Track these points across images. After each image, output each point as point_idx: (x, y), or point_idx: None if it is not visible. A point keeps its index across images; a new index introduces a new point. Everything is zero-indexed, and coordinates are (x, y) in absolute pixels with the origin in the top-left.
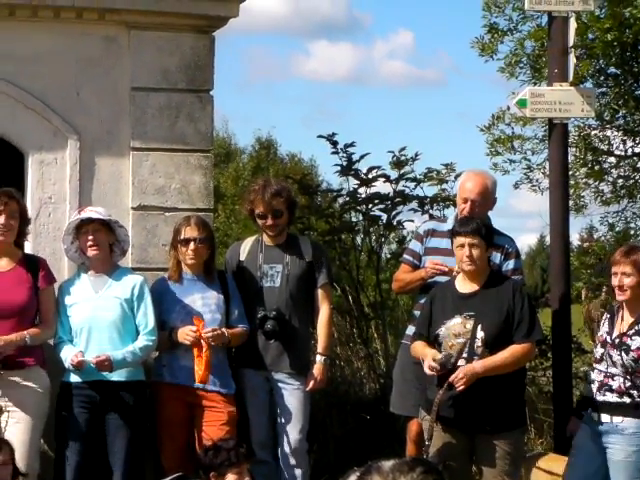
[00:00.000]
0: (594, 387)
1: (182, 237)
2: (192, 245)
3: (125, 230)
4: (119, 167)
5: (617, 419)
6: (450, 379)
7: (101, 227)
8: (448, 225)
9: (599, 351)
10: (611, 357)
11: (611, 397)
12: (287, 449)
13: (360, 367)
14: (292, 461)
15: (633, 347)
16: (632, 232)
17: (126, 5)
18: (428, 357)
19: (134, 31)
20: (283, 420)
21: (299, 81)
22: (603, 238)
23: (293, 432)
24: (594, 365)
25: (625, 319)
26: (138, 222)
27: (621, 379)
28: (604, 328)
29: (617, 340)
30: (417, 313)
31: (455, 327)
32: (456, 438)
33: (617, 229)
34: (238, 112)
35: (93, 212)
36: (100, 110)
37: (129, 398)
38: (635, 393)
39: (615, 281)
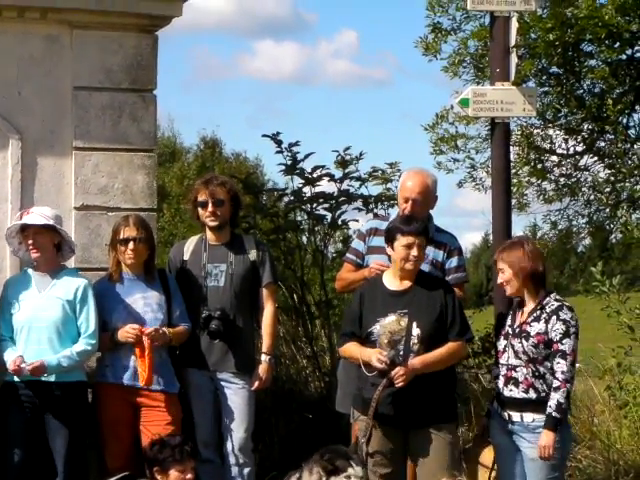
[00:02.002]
0: (500, 382)
1: (121, 237)
2: (131, 245)
3: (65, 232)
4: (61, 167)
5: (527, 418)
6: (390, 375)
7: (41, 230)
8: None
9: (502, 344)
10: (513, 347)
11: (517, 392)
12: (232, 448)
13: (305, 366)
14: (238, 460)
15: (532, 333)
16: (574, 230)
17: (68, 4)
18: (374, 354)
19: (77, 30)
20: (228, 419)
21: (244, 80)
22: (546, 236)
23: (238, 431)
24: (498, 359)
25: (525, 310)
26: (81, 222)
27: (524, 370)
28: (507, 322)
29: (517, 329)
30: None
31: (390, 325)
32: (392, 435)
33: (559, 227)
34: (183, 111)
35: (35, 215)
36: (42, 109)
37: (68, 399)
38: (539, 386)
39: (498, 279)
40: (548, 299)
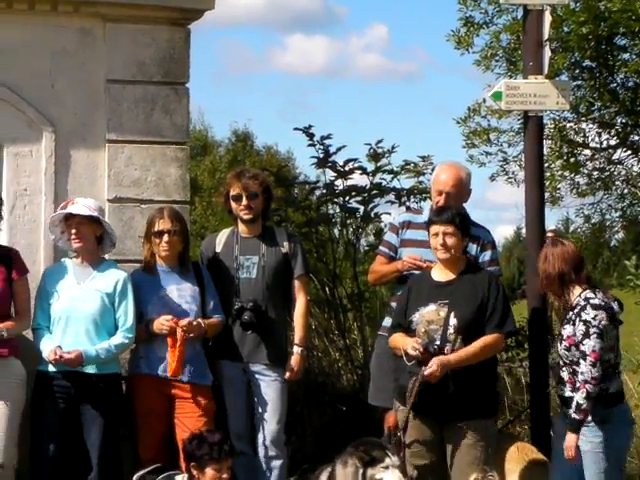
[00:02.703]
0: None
1: (156, 229)
2: (166, 237)
3: (108, 224)
4: (94, 159)
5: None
6: (423, 369)
7: (85, 220)
8: (424, 217)
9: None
10: (557, 350)
11: (565, 391)
12: (265, 440)
13: (338, 358)
14: (270, 452)
15: (564, 336)
16: (607, 223)
17: None
18: (410, 342)
19: (110, 24)
20: (261, 411)
21: (275, 74)
22: (579, 230)
23: (271, 423)
24: None
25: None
26: (114, 214)
27: (566, 369)
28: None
29: (559, 332)
30: (394, 304)
31: (429, 314)
32: (430, 427)
33: (593, 221)
34: (214, 105)
35: (79, 205)
36: (75, 102)
37: (104, 390)
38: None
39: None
40: (578, 299)
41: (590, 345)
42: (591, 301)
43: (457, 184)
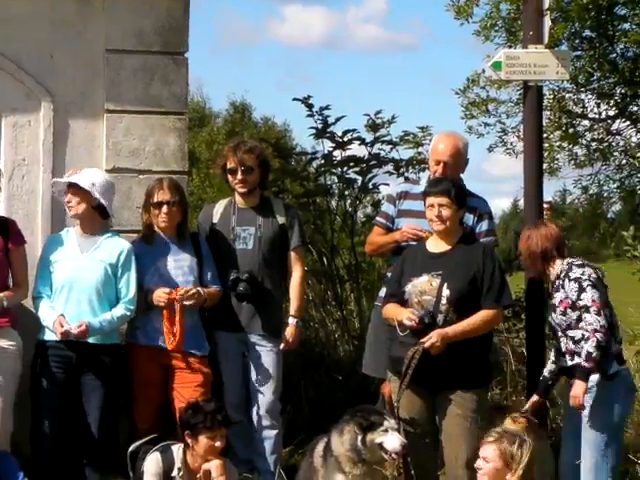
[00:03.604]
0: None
1: (155, 200)
2: (165, 208)
3: (100, 198)
4: (93, 129)
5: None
6: (422, 341)
7: (81, 191)
8: (421, 187)
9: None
10: (550, 323)
11: (564, 361)
12: (261, 410)
13: (334, 329)
14: (265, 422)
15: (556, 302)
16: (605, 195)
17: None
18: (405, 313)
19: None
20: (257, 381)
21: (273, 45)
22: (576, 201)
23: (266, 393)
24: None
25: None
26: (114, 183)
27: (564, 339)
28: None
29: (550, 302)
30: (390, 275)
31: (421, 284)
32: (421, 396)
33: (590, 192)
34: (212, 76)
35: (78, 176)
36: (74, 72)
37: (105, 360)
38: (579, 349)
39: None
40: (561, 266)
41: (589, 296)
42: (575, 262)
43: (455, 153)
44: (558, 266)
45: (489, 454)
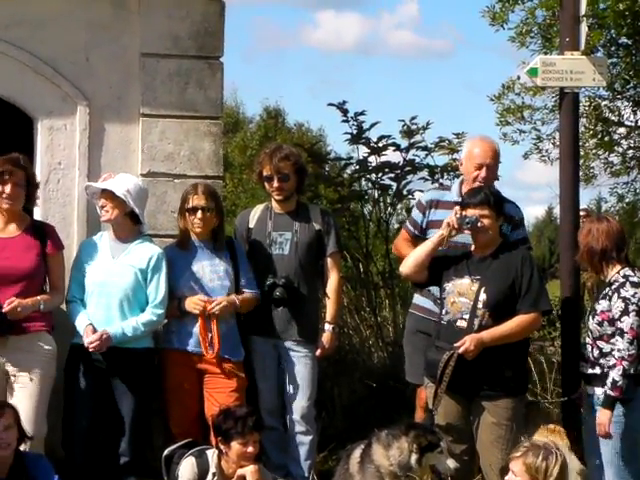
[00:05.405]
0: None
1: (189, 205)
2: (199, 214)
3: (133, 205)
4: (128, 133)
5: (599, 391)
6: (456, 345)
7: (114, 196)
8: (452, 195)
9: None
10: (588, 325)
11: (586, 368)
12: (295, 416)
13: (368, 336)
14: (300, 428)
15: (598, 311)
16: None
17: None
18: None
19: None
20: (291, 387)
21: (306, 51)
22: (612, 209)
23: (301, 399)
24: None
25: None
26: (147, 189)
27: (589, 347)
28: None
29: (592, 305)
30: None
31: (461, 286)
32: (457, 402)
33: (626, 200)
34: (245, 81)
35: (112, 181)
36: (110, 76)
37: (136, 364)
38: (603, 362)
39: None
40: (617, 275)
41: (628, 322)
42: (630, 279)
43: (494, 155)
44: (614, 273)
45: (516, 469)
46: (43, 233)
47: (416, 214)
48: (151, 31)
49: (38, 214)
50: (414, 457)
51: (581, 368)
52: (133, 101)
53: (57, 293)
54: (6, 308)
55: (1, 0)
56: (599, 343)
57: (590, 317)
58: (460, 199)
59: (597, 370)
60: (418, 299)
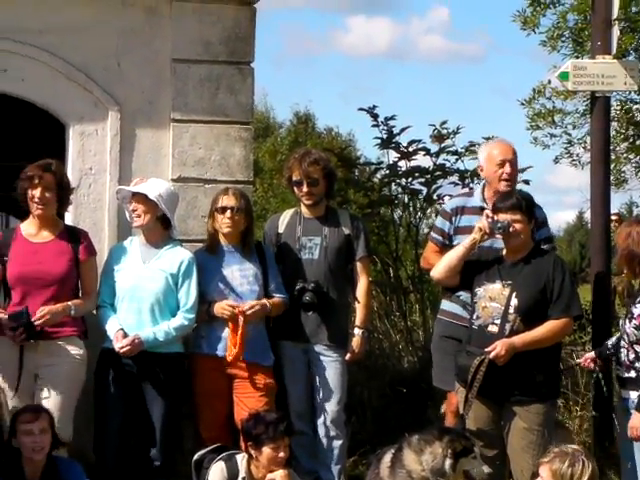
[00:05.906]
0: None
1: (219, 205)
2: (229, 213)
3: (165, 209)
4: (159, 138)
5: (633, 395)
6: (487, 350)
7: (145, 200)
8: (475, 200)
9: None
10: (624, 329)
11: (620, 371)
12: (325, 420)
13: (398, 340)
14: (330, 432)
15: (636, 314)
16: None
17: None
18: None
19: (176, 2)
20: (321, 392)
21: (337, 56)
22: None
23: (331, 404)
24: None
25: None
26: (178, 194)
27: (625, 351)
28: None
29: (628, 309)
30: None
31: (493, 291)
32: (488, 407)
33: None
34: (275, 86)
35: (145, 185)
36: (141, 81)
37: (167, 369)
38: (639, 365)
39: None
40: None
41: None
42: None
43: (514, 152)
44: None
45: (544, 474)
46: (76, 238)
47: (442, 223)
48: (182, 36)
49: (69, 219)
50: (448, 462)
51: (616, 371)
52: (164, 106)
53: (89, 298)
54: (38, 322)
55: (33, 7)
56: (636, 347)
57: (627, 320)
58: (484, 204)
59: (632, 374)
60: (446, 304)
